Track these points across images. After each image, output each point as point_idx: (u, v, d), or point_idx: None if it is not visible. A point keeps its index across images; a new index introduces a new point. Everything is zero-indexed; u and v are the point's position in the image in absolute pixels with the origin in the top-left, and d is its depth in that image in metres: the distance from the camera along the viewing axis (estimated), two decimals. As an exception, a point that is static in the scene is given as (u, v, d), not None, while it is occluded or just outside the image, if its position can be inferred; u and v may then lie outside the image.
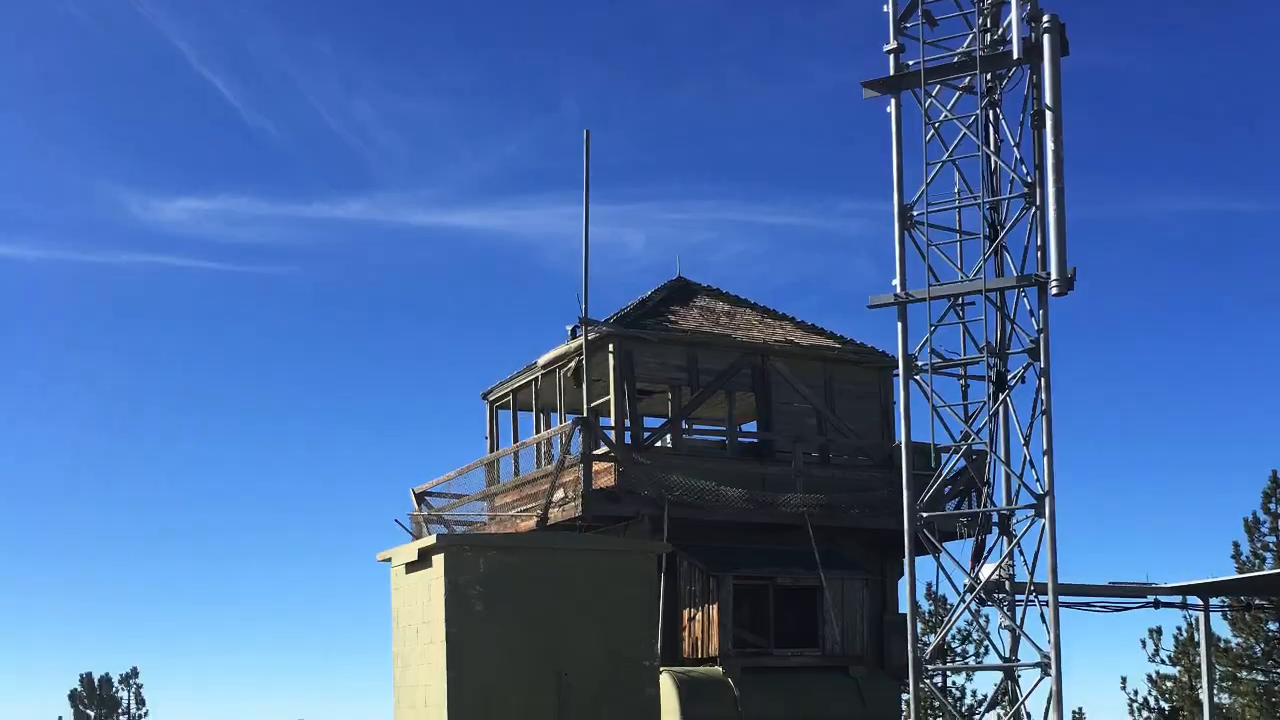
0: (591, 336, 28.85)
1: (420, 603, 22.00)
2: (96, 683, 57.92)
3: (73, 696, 57.88)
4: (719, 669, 26.98)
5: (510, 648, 21.27)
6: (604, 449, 28.20)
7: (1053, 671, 16.82)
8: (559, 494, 28.30)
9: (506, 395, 33.70)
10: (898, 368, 31.35)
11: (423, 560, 21.96)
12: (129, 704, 58.51)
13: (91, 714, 57.88)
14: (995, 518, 18.37)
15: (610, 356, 29.28)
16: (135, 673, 58.95)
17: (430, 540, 22.03)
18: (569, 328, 30.05)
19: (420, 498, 33.83)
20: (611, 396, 29.26)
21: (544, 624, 21.48)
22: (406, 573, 22.61)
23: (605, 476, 28.19)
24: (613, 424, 28.97)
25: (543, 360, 31.47)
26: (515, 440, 32.77)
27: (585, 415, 28.32)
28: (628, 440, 28.92)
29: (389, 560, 23.33)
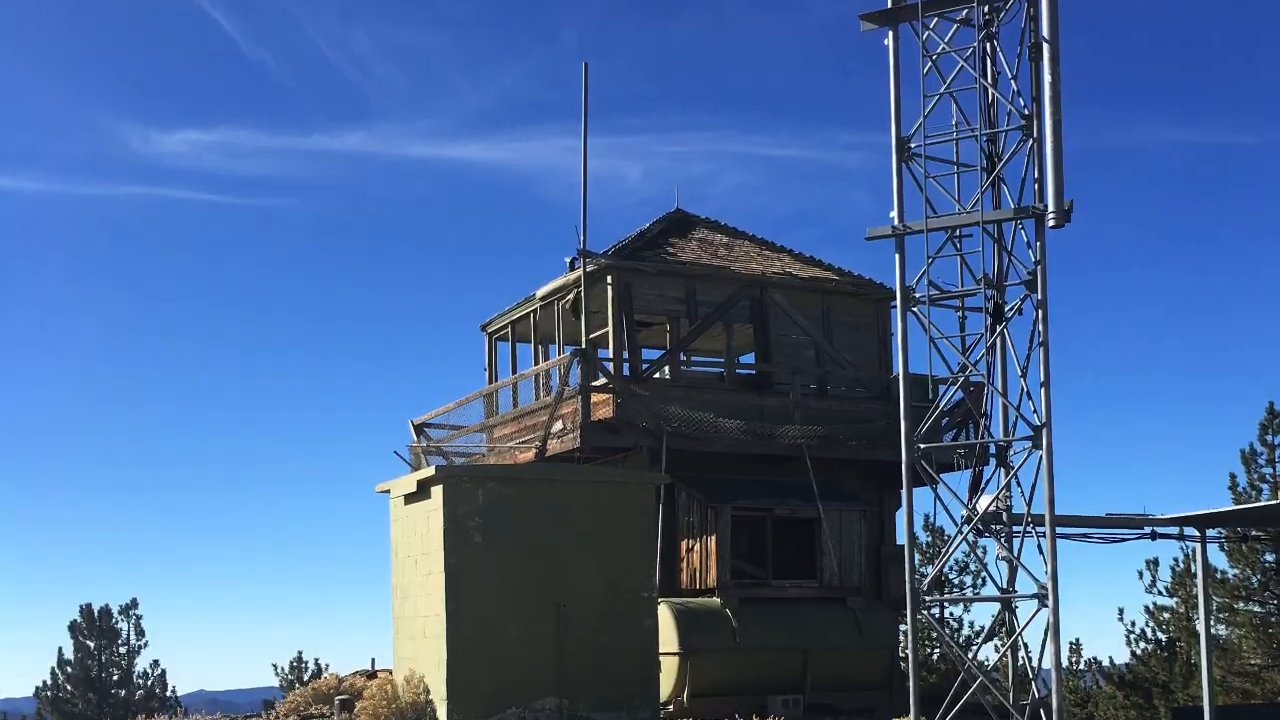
0: (590, 269, 28.84)
1: (419, 534, 22.10)
2: (96, 614, 55.95)
3: (72, 627, 55.69)
4: (717, 600, 27.09)
5: (509, 579, 21.41)
6: (602, 381, 28.23)
7: (1050, 602, 16.89)
8: (557, 425, 28.36)
9: (505, 327, 33.72)
10: (895, 300, 31.57)
11: (421, 492, 22.05)
12: (128, 635, 56.35)
13: (91, 644, 55.58)
14: (993, 449, 18.39)
15: (608, 288, 29.28)
16: (135, 604, 56.97)
17: (429, 472, 22.16)
18: (567, 260, 30.03)
19: (419, 429, 33.88)
20: (610, 328, 29.28)
21: (543, 555, 21.62)
22: (405, 504, 22.71)
23: (604, 408, 28.24)
24: (611, 356, 29.01)
25: (541, 292, 31.47)
26: (514, 372, 32.78)
27: (584, 347, 28.33)
28: (626, 372, 28.95)
29: (388, 492, 23.42)
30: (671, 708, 25.60)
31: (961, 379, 18.04)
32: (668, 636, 25.20)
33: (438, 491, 21.48)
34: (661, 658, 23.17)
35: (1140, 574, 42.31)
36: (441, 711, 20.98)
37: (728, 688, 26.19)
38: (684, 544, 28.07)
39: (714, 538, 27.27)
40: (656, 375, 29.74)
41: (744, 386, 30.59)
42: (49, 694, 54.61)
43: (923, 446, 18.05)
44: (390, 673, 24.44)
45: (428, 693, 21.51)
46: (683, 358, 31.04)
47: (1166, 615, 42.09)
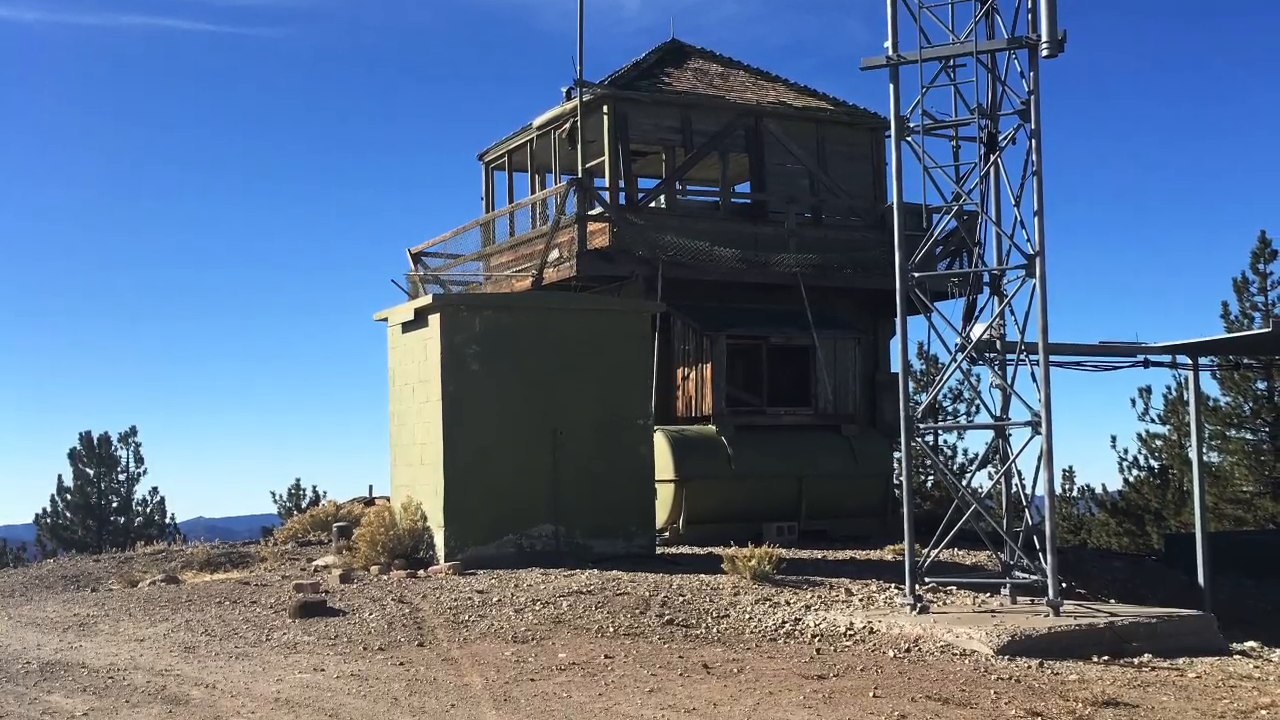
0: (586, 98, 28.77)
1: (417, 362, 22.24)
2: (95, 441, 55.80)
3: (72, 455, 55.55)
4: (712, 427, 27.33)
5: (506, 407, 21.56)
6: (598, 210, 28.26)
7: (1043, 430, 17.02)
8: (554, 254, 28.46)
9: (502, 157, 33.68)
10: (890, 129, 31.51)
11: (419, 320, 22.16)
12: (128, 462, 56.22)
13: (90, 472, 55.45)
14: (986, 277, 18.38)
15: (604, 118, 29.23)
16: (134, 431, 56.77)
17: (426, 300, 22.26)
18: (564, 90, 30.00)
19: (416, 258, 33.99)
20: (606, 158, 29.26)
21: (539, 383, 21.75)
22: (403, 332, 22.82)
23: (599, 237, 28.30)
24: (607, 185, 29.01)
25: (538, 122, 31.40)
26: (511, 201, 32.82)
27: (580, 176, 28.33)
28: (622, 201, 28.98)
29: (385, 320, 23.53)
30: (667, 534, 25.92)
31: (955, 207, 18.03)
32: (664, 464, 25.49)
33: (435, 319, 21.58)
34: (658, 485, 23.41)
35: (1133, 402, 42.67)
36: (438, 538, 21.24)
37: (723, 514, 26.56)
38: (680, 372, 28.27)
39: (709, 366, 27.47)
40: (652, 204, 29.80)
41: (739, 215, 30.64)
42: (48, 521, 54.71)
43: (917, 275, 18.07)
44: (388, 500, 24.75)
45: (425, 519, 21.76)
46: (678, 187, 31.07)
47: (1159, 442, 42.43)
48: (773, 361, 28.58)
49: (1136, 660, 14.94)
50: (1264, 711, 12.18)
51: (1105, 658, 14.90)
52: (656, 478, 23.22)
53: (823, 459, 27.97)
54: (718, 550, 21.76)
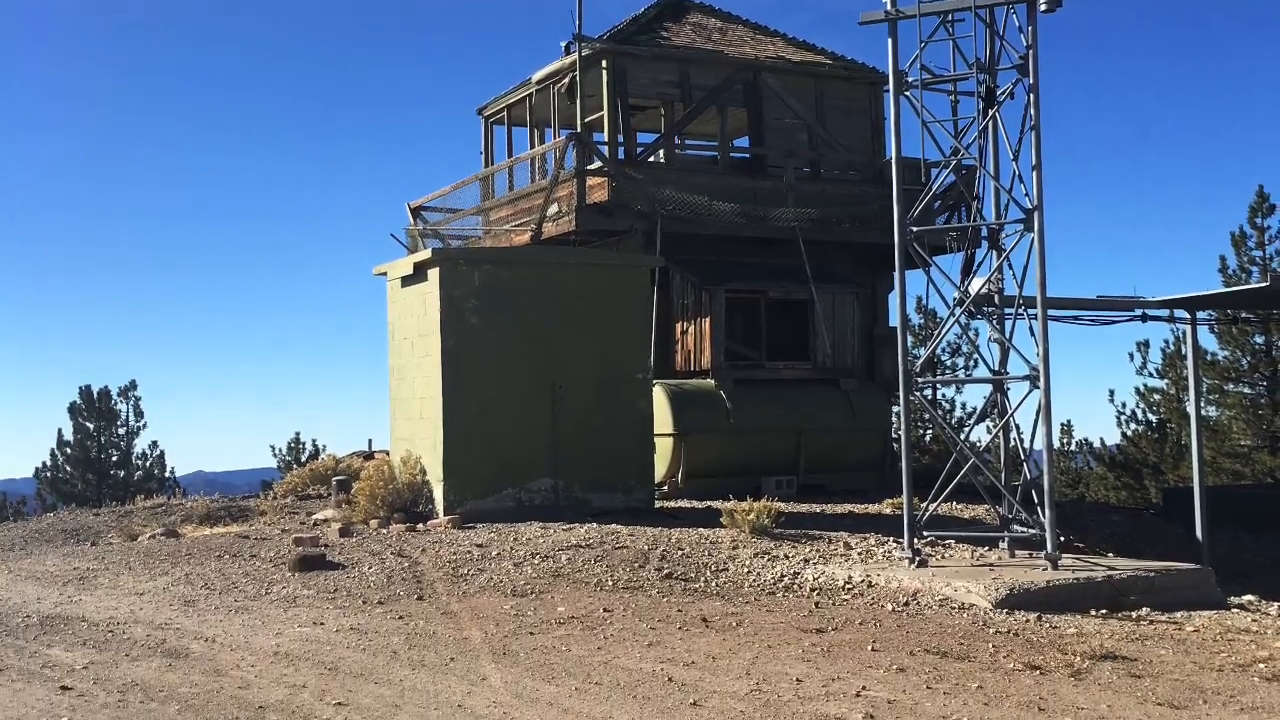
0: (585, 53, 28.72)
1: (416, 316, 22.26)
2: (95, 395, 55.40)
3: (72, 409, 55.19)
4: (711, 381, 27.36)
5: (505, 361, 21.59)
6: (597, 164, 28.23)
7: (1041, 384, 17.04)
8: (552, 209, 28.44)
9: (501, 111, 33.62)
10: (888, 84, 31.52)
11: (418, 274, 22.17)
12: (128, 416, 55.85)
13: (90, 426, 55.03)
14: (984, 232, 18.40)
15: (603, 72, 29.18)
16: (134, 385, 56.45)
17: (425, 254, 22.26)
18: (563, 44, 29.93)
19: (415, 212, 33.96)
20: (605, 112, 29.22)
21: (539, 338, 21.78)
22: (402, 287, 22.84)
23: (599, 191, 28.27)
24: (606, 140, 28.99)
25: (537, 76, 31.35)
26: (510, 156, 32.79)
27: (579, 131, 28.30)
28: (621, 156, 28.95)
29: (385, 274, 23.54)
30: (666, 488, 25.97)
31: (954, 162, 18.03)
32: (662, 418, 25.52)
33: (434, 274, 21.59)
34: (656, 439, 23.44)
35: (1130, 356, 42.65)
36: (438, 492, 21.28)
37: (722, 469, 26.57)
38: (679, 327, 28.28)
39: (708, 320, 27.49)
40: (651, 159, 29.78)
41: (737, 170, 30.60)
42: (48, 475, 54.40)
43: (915, 229, 18.06)
44: (387, 454, 24.79)
45: (424, 473, 21.81)
46: (676, 141, 31.03)
47: (1157, 397, 42.48)
48: (771, 315, 28.58)
49: (1134, 614, 15.00)
50: (1262, 665, 12.22)
51: (1103, 611, 14.96)
52: (655, 432, 23.26)
53: (821, 413, 28.00)
54: (716, 504, 21.82)
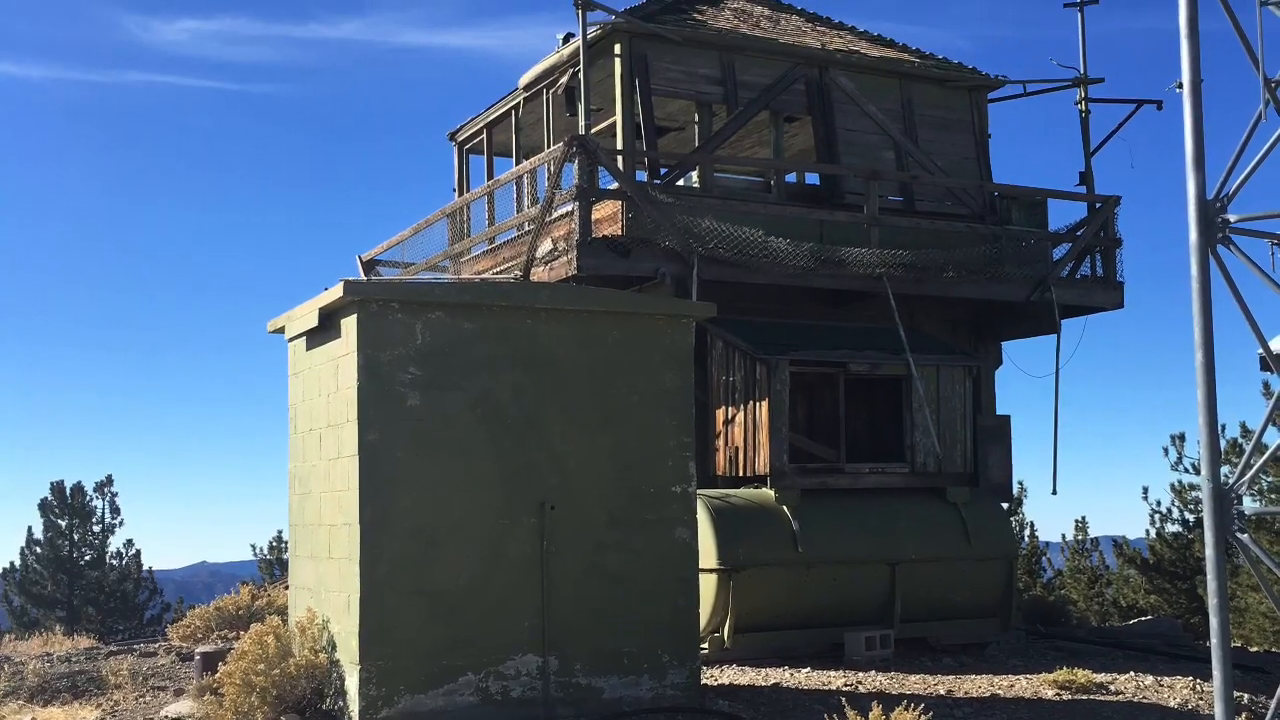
0: (592, 33, 20.73)
1: (324, 394, 14.16)
2: (68, 491, 52.65)
3: (42, 505, 52.35)
4: (770, 492, 19.10)
5: (464, 465, 13.44)
6: (610, 185, 20.23)
7: None
8: (545, 247, 20.31)
9: (479, 133, 25.66)
10: (995, 88, 23.86)
11: (327, 327, 14.03)
12: (104, 513, 53.15)
13: (63, 524, 52.29)
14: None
15: (617, 61, 21.20)
16: (110, 480, 53.77)
17: (335, 293, 13.72)
18: (560, 36, 22.15)
19: (369, 266, 25.95)
20: (619, 117, 21.27)
21: (518, 427, 13.66)
22: (307, 349, 14.73)
23: (610, 224, 20.28)
24: (619, 144, 21.04)
25: (526, 79, 23.39)
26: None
27: (581, 134, 20.18)
28: (641, 176, 20.99)
29: (281, 331, 15.41)
30: (706, 646, 17.86)
31: None
32: (702, 546, 16.98)
33: (350, 325, 13.45)
34: (694, 578, 15.27)
35: None
36: (351, 681, 13.03)
37: (786, 617, 18.70)
38: (720, 414, 20.06)
39: (765, 404, 19.23)
40: (681, 181, 21.64)
41: (799, 198, 22.72)
42: (16, 576, 51.59)
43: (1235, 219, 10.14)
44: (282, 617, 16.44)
45: (332, 648, 13.57)
46: (718, 155, 22.72)
47: None
48: (852, 398, 20.46)
49: None
50: None
51: None
52: (694, 569, 15.16)
53: (924, 536, 19.80)
54: (785, 675, 15.54)
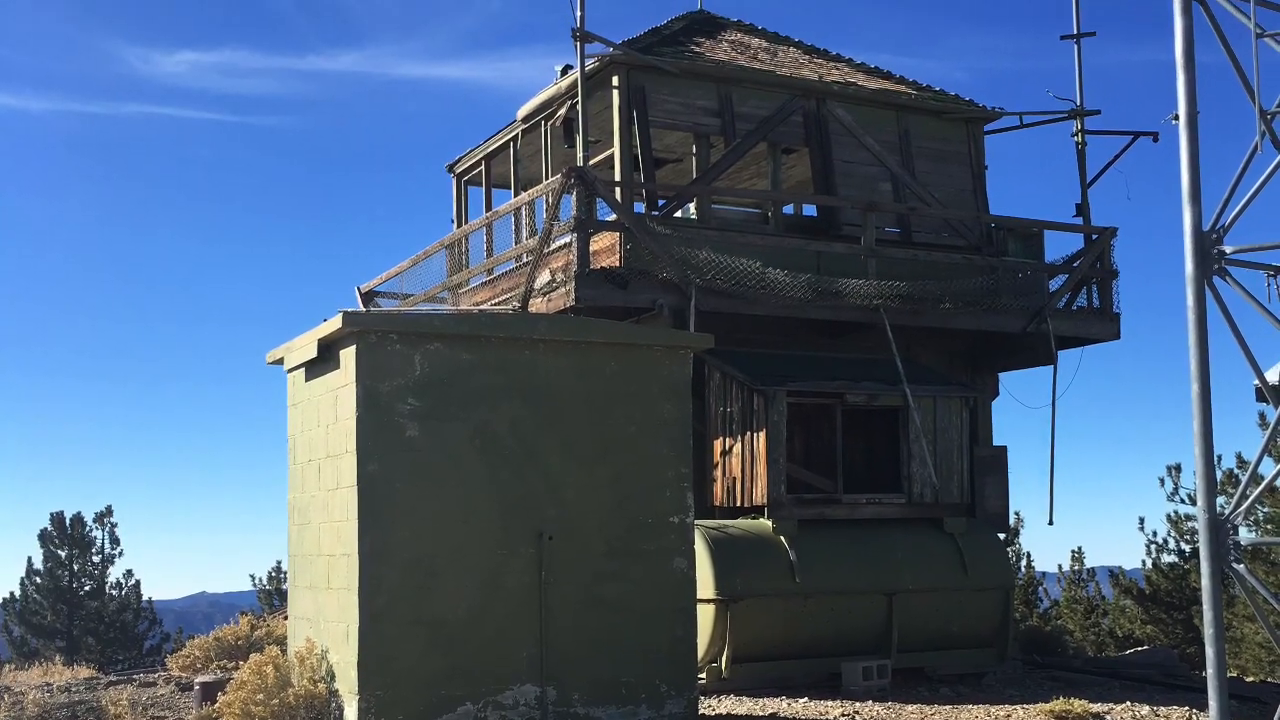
0: (590, 65, 20.86)
1: (323, 425, 14.22)
2: (68, 522, 53.25)
3: (42, 536, 52.92)
4: (767, 523, 19.18)
5: (463, 496, 13.51)
6: (606, 219, 20.31)
7: None
8: (543, 278, 20.40)
9: (478, 165, 25.78)
10: (991, 120, 23.96)
11: (326, 358, 14.11)
12: (103, 544, 53.70)
13: (63, 554, 52.90)
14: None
15: (615, 94, 21.32)
16: (109, 511, 54.32)
17: (335, 324, 13.83)
18: (558, 69, 22.23)
19: (368, 297, 26.06)
20: (616, 149, 21.37)
21: (515, 458, 13.71)
22: (306, 380, 14.80)
23: (608, 256, 20.36)
24: (617, 176, 21.12)
25: (524, 111, 23.51)
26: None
27: (579, 165, 20.27)
28: (639, 208, 21.07)
29: (280, 362, 15.48)
30: (704, 677, 17.89)
31: None
32: (700, 576, 17.06)
33: (349, 356, 13.53)
34: (691, 608, 15.31)
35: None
36: (350, 711, 13.09)
37: (784, 647, 18.74)
38: (718, 445, 20.14)
39: (762, 435, 19.32)
40: (679, 213, 21.74)
41: (797, 230, 22.79)
42: (16, 606, 52.00)
43: (1230, 250, 10.22)
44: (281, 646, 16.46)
45: (331, 678, 13.63)
46: (715, 188, 22.81)
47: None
48: (850, 429, 20.53)
49: None
50: None
51: None
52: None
53: (922, 567, 19.87)
54: (783, 705, 15.59)
